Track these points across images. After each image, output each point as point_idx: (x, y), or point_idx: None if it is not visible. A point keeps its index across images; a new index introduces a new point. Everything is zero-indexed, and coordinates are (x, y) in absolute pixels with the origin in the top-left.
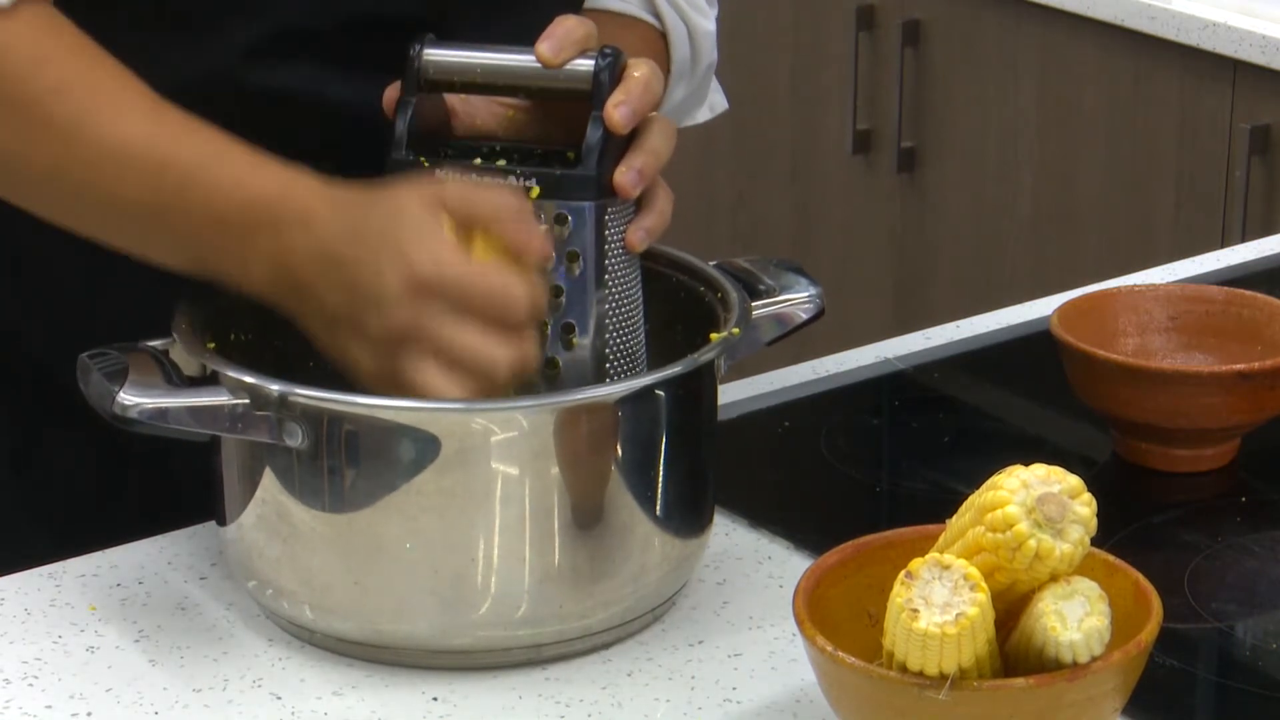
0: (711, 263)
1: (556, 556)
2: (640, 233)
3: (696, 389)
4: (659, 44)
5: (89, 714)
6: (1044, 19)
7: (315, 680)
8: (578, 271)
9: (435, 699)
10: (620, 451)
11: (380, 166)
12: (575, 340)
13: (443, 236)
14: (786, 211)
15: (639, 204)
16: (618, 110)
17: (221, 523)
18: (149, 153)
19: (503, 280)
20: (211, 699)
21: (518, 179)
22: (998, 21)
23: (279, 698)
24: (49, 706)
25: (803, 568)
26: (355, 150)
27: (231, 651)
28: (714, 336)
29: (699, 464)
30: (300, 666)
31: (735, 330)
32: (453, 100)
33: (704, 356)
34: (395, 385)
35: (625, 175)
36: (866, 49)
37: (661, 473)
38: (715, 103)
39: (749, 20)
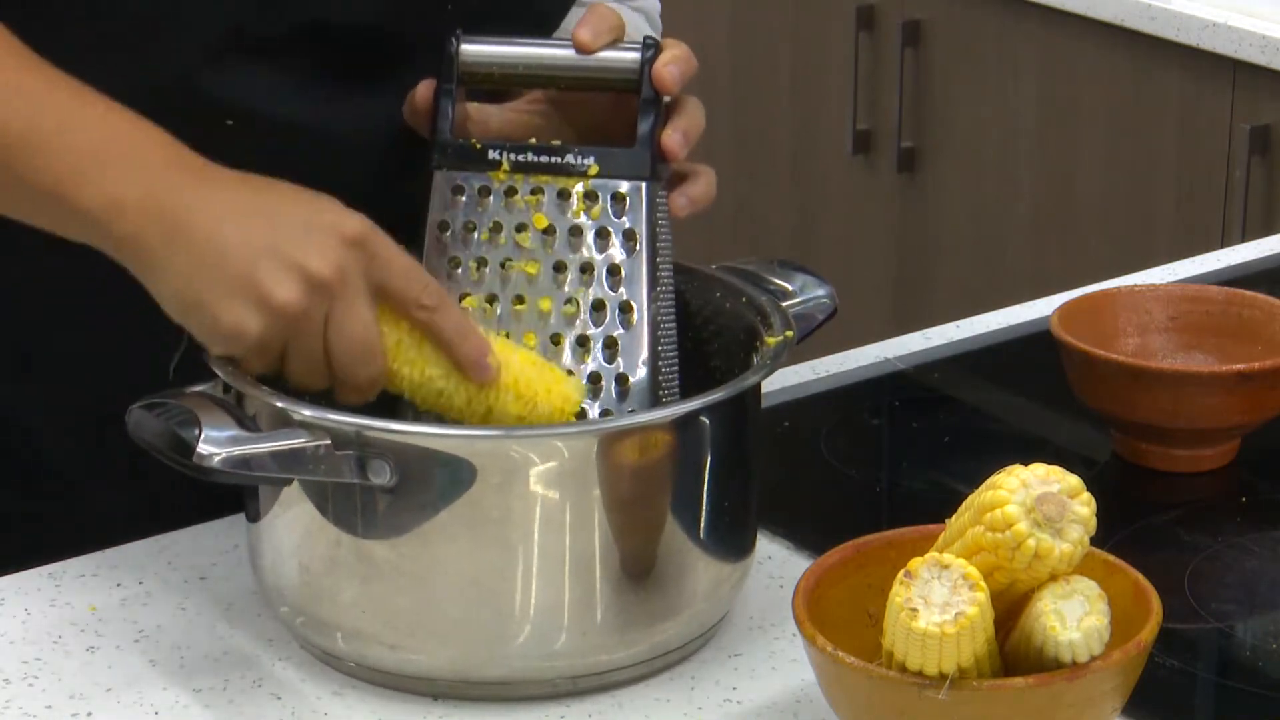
0: (713, 266)
1: (602, 587)
2: (683, 199)
3: (742, 409)
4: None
5: (89, 714)
6: (1044, 19)
7: (315, 680)
8: (636, 248)
9: (435, 699)
10: (672, 476)
11: (335, 185)
12: (633, 319)
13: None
14: (787, 212)
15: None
16: (667, 69)
17: (257, 557)
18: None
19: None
20: (211, 699)
21: (575, 156)
22: (998, 21)
23: (279, 698)
24: (49, 706)
25: (803, 568)
26: (313, 169)
27: (231, 651)
28: (770, 340)
29: (745, 485)
30: (300, 666)
31: (789, 334)
32: (464, 106)
33: (749, 379)
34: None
35: (672, 137)
36: (866, 49)
37: (707, 497)
38: None
39: (749, 20)
